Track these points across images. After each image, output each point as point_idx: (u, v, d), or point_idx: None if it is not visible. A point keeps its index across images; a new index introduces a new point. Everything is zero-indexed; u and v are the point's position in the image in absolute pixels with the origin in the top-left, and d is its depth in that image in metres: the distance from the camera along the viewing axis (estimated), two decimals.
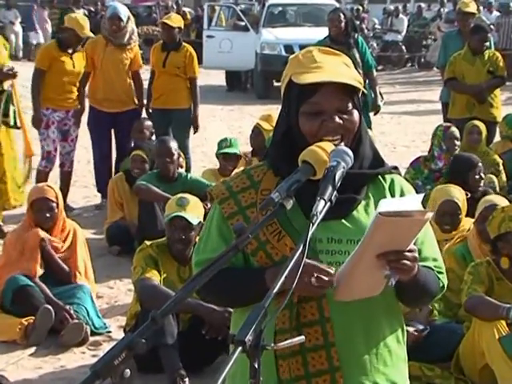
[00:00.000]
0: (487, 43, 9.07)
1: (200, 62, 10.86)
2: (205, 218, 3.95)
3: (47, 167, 8.26)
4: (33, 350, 5.38)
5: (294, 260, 2.01)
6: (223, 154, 7.52)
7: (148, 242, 5.15)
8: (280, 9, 19.59)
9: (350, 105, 2.40)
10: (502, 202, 5.30)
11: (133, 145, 8.29)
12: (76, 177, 9.45)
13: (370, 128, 8.73)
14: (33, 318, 5.43)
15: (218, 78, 20.09)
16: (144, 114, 8.93)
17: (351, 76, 2.40)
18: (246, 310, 2.30)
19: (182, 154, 7.59)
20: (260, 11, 20.82)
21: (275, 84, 17.81)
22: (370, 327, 2.41)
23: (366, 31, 22.92)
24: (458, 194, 5.66)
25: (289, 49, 16.93)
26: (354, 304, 2.34)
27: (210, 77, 19.55)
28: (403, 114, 15.76)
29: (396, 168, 2.55)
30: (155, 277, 4.98)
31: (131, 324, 5.07)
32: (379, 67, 18.96)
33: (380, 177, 2.49)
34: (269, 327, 2.01)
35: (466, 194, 5.85)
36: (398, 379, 2.47)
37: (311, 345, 2.35)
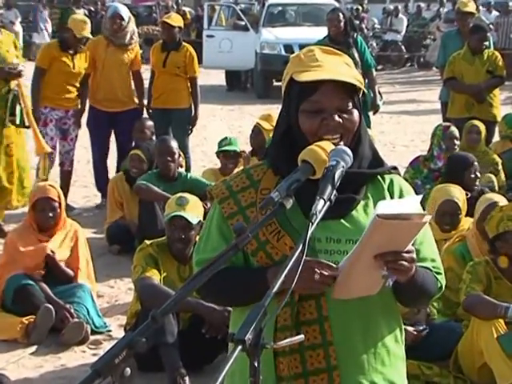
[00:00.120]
0: (486, 42, 9.08)
1: (200, 61, 10.88)
2: (205, 218, 3.97)
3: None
4: (33, 348, 5.38)
5: (293, 259, 2.01)
6: (223, 151, 7.54)
7: (148, 242, 5.16)
8: (280, 8, 19.61)
9: (350, 104, 2.41)
10: (501, 199, 5.32)
11: (133, 145, 8.31)
12: (76, 176, 9.46)
13: (369, 127, 8.75)
14: (33, 317, 5.43)
15: (218, 78, 20.10)
16: (145, 114, 8.95)
17: (352, 75, 2.41)
18: (246, 309, 2.32)
19: (181, 153, 7.62)
20: (260, 11, 20.82)
21: (275, 83, 17.84)
22: (368, 327, 2.42)
23: (365, 31, 22.92)
24: (458, 194, 5.66)
25: (288, 48, 16.95)
26: (353, 303, 2.35)
27: (210, 76, 19.55)
28: (402, 114, 15.77)
29: (395, 168, 2.55)
30: (155, 276, 4.98)
31: (131, 323, 5.08)
32: (379, 67, 18.97)
33: (379, 177, 2.49)
34: (268, 326, 2.01)
35: (466, 194, 5.86)
36: (395, 379, 2.47)
37: (309, 343, 2.36)
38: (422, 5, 26.44)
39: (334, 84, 2.37)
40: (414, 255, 2.27)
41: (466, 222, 5.61)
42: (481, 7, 19.20)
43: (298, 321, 2.37)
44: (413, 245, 2.28)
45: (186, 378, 4.71)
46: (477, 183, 6.62)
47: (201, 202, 5.42)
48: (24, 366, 5.19)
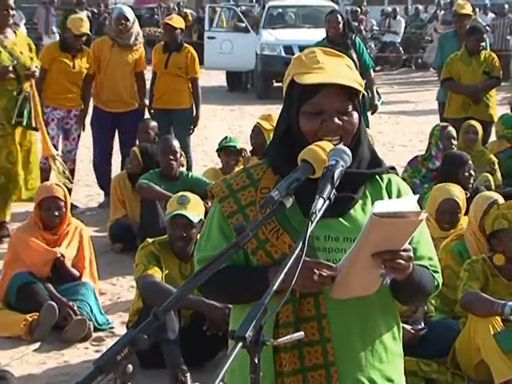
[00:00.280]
0: (483, 43, 9.11)
1: (201, 62, 10.93)
2: (205, 216, 4.01)
3: (46, 164, 8.30)
4: (37, 345, 5.40)
5: (293, 258, 2.02)
6: (224, 148, 7.53)
7: (150, 240, 5.17)
8: (280, 10, 19.60)
9: (351, 106, 2.42)
10: (498, 197, 5.33)
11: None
12: (79, 176, 9.50)
13: (368, 127, 8.80)
14: (37, 314, 5.45)
15: (219, 79, 20.08)
16: (147, 115, 8.97)
17: (353, 78, 2.42)
18: (246, 306, 2.35)
19: (183, 153, 7.67)
20: (260, 13, 20.81)
21: (275, 84, 17.85)
22: (366, 324, 2.43)
23: (364, 32, 22.92)
24: (459, 193, 5.66)
25: (288, 50, 16.97)
26: (351, 301, 2.37)
27: (211, 77, 19.54)
28: (401, 114, 15.76)
29: (393, 168, 2.56)
30: (157, 274, 4.99)
31: (134, 320, 5.08)
32: (377, 68, 18.95)
33: (377, 176, 2.51)
34: (268, 323, 2.03)
35: (466, 194, 5.89)
36: (393, 375, 2.48)
37: (307, 340, 2.36)
38: (420, 7, 26.44)
39: (335, 87, 2.38)
40: (411, 253, 2.28)
41: (465, 221, 5.59)
42: (477, 9, 19.19)
43: (297, 317, 2.39)
44: (410, 243, 2.29)
45: (187, 375, 4.72)
46: (471, 181, 6.61)
47: (202, 200, 5.45)
48: (27, 362, 5.21)
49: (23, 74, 7.29)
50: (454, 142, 7.56)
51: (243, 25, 19.28)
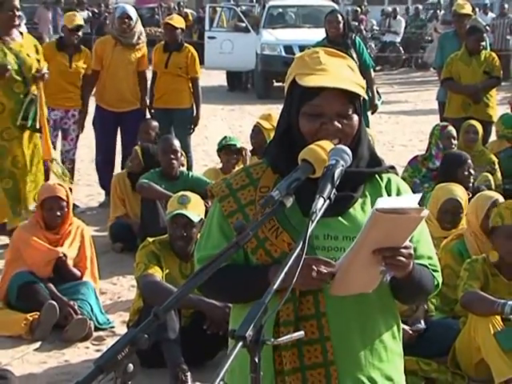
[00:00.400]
0: (483, 43, 9.13)
1: (201, 62, 10.94)
2: (206, 216, 4.02)
3: (46, 165, 8.30)
4: (38, 344, 5.41)
5: (293, 257, 2.02)
6: (224, 147, 7.53)
7: (150, 239, 5.17)
8: (280, 10, 19.62)
9: (351, 110, 2.41)
10: (498, 196, 5.36)
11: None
12: (79, 175, 9.51)
13: (368, 127, 8.81)
14: (38, 313, 5.46)
15: (219, 79, 20.10)
16: (148, 115, 8.98)
17: (354, 81, 2.42)
18: (246, 305, 2.35)
19: (183, 152, 7.68)
20: (260, 12, 20.81)
21: (275, 84, 17.89)
22: (366, 323, 2.43)
23: (364, 32, 22.93)
24: (461, 193, 5.66)
25: (289, 49, 17.00)
26: (350, 300, 2.37)
27: (211, 77, 19.56)
28: (401, 114, 15.78)
29: (393, 168, 2.56)
30: (157, 273, 5.00)
31: (134, 319, 5.09)
32: (377, 67, 18.97)
33: (377, 176, 2.51)
34: (268, 322, 2.02)
35: (468, 194, 5.89)
36: (393, 374, 2.48)
37: (307, 338, 2.36)
38: (420, 7, 26.45)
39: (336, 90, 2.37)
40: (412, 251, 2.28)
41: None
42: (477, 9, 19.19)
43: (297, 316, 2.39)
44: (410, 242, 2.28)
45: (188, 374, 4.73)
46: (471, 181, 6.63)
47: (202, 200, 5.46)
48: (28, 361, 5.22)
49: (29, 76, 7.18)
50: (454, 142, 7.57)
51: (243, 25, 19.30)
